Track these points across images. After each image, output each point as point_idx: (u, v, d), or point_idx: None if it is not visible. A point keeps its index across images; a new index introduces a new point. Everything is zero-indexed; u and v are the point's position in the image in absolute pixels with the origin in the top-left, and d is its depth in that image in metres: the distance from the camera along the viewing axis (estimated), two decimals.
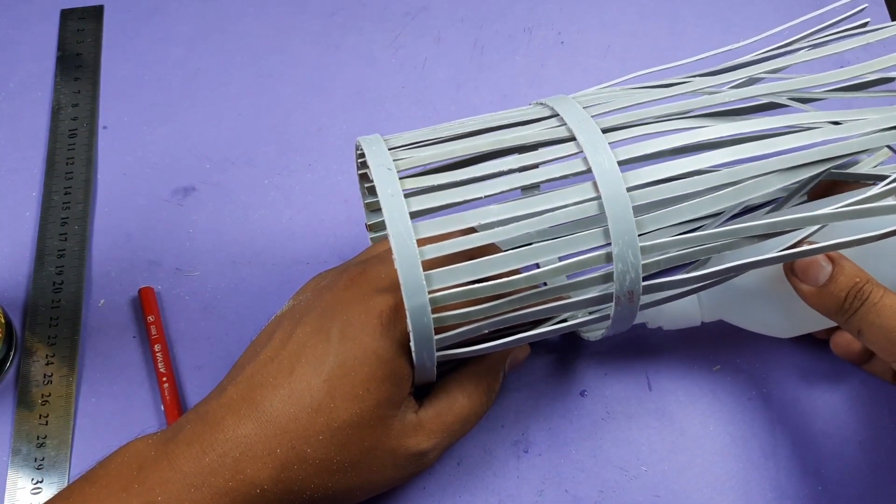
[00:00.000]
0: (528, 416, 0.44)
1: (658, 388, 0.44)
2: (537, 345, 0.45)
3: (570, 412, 0.44)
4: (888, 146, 0.43)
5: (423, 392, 0.39)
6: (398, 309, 0.36)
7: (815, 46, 0.43)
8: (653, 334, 0.45)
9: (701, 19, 0.58)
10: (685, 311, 0.42)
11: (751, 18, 0.58)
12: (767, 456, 0.42)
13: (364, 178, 0.42)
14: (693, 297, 0.42)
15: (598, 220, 0.34)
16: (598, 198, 0.34)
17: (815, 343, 0.45)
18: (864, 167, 0.44)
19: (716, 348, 0.45)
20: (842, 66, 0.51)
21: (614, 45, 0.57)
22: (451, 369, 0.40)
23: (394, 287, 0.36)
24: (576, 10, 0.59)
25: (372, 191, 0.43)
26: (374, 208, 0.45)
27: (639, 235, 0.34)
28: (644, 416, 0.44)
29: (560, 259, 0.34)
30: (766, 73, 0.41)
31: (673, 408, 0.44)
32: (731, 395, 0.44)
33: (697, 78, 0.41)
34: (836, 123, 0.37)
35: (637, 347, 0.45)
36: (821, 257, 0.36)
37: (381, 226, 0.45)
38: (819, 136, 0.36)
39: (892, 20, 0.58)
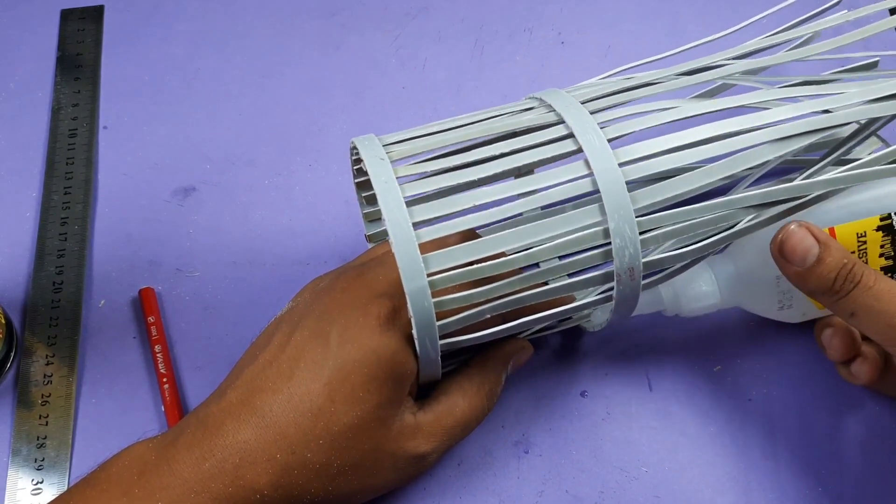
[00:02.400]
0: (528, 416, 0.44)
1: (658, 388, 0.44)
2: (538, 345, 0.45)
3: (570, 413, 0.44)
4: (877, 135, 0.44)
5: (424, 393, 0.39)
6: (397, 310, 0.36)
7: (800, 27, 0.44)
8: (653, 334, 0.45)
9: (701, 19, 0.58)
10: (704, 298, 0.42)
11: (751, 18, 0.58)
12: (768, 457, 0.42)
13: (361, 187, 0.42)
14: (712, 283, 0.42)
15: (593, 197, 0.34)
16: (591, 174, 0.34)
17: (815, 344, 0.45)
18: (860, 154, 0.44)
19: (716, 349, 0.45)
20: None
21: (614, 45, 0.57)
22: (453, 370, 0.40)
23: (392, 290, 0.36)
24: (576, 10, 0.59)
25: (370, 200, 0.43)
26: (373, 218, 0.45)
27: (636, 213, 0.34)
28: (644, 416, 0.44)
29: (558, 237, 0.34)
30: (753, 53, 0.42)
31: (673, 408, 0.44)
32: (732, 395, 0.44)
33: (685, 66, 0.42)
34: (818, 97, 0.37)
35: (637, 348, 0.45)
36: (809, 238, 0.36)
37: (379, 236, 0.45)
38: (806, 108, 0.36)
39: (890, 14, 0.58)
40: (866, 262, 0.40)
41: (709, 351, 0.45)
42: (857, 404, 0.44)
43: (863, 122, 0.38)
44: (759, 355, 0.45)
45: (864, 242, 0.40)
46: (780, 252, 0.37)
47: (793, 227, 0.36)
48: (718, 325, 0.45)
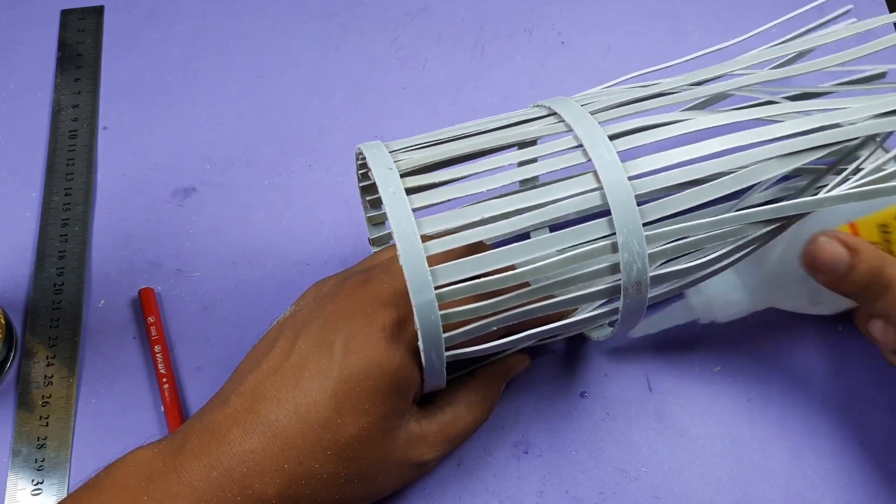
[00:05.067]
0: (528, 417, 0.44)
1: (658, 389, 0.44)
2: (538, 348, 0.45)
3: (570, 413, 0.44)
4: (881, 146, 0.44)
5: (426, 398, 0.39)
6: (402, 321, 0.36)
7: (808, 40, 0.43)
8: (653, 335, 0.45)
9: (701, 19, 0.58)
10: (734, 305, 0.42)
11: (752, 19, 0.58)
12: (767, 457, 0.42)
13: (365, 191, 0.42)
14: (741, 289, 0.42)
15: (602, 211, 0.34)
16: (600, 188, 0.34)
17: (814, 344, 0.45)
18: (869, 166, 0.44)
19: (716, 349, 0.45)
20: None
21: (615, 46, 0.57)
22: (455, 379, 0.40)
23: (397, 299, 0.36)
24: (576, 11, 0.59)
25: (374, 204, 0.43)
26: (376, 222, 0.45)
27: (643, 225, 0.34)
28: (644, 417, 0.44)
29: (566, 251, 0.34)
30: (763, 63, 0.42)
31: (673, 409, 0.44)
32: (732, 396, 0.44)
33: (692, 74, 0.42)
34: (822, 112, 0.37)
35: (637, 348, 0.45)
36: (838, 248, 0.36)
37: (384, 239, 0.45)
38: (815, 122, 0.36)
39: None
40: (893, 253, 0.39)
41: (709, 351, 0.45)
42: (856, 404, 0.44)
43: (879, 137, 0.38)
44: (759, 355, 0.45)
45: (888, 232, 0.39)
46: (813, 265, 0.36)
47: (822, 239, 0.36)
48: (718, 325, 0.45)
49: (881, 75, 0.47)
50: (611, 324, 0.41)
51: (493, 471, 0.42)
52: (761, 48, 0.44)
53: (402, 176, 0.34)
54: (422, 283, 0.32)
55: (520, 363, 0.42)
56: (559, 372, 0.45)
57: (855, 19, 0.45)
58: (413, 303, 0.33)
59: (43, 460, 0.43)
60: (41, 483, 0.42)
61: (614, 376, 0.45)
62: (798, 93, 0.45)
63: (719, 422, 0.43)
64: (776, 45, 0.44)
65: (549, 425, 0.43)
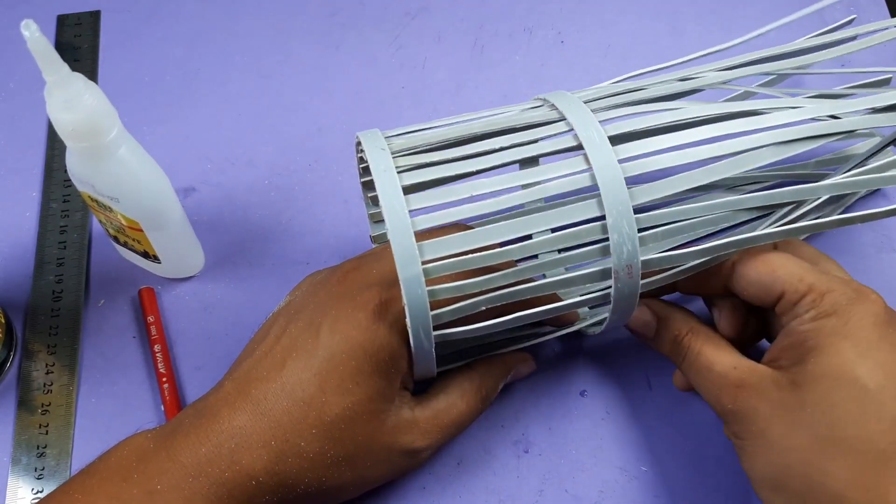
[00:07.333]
0: (528, 415, 0.44)
1: (658, 387, 0.44)
2: (538, 345, 0.45)
3: (570, 412, 0.44)
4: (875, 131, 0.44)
5: (422, 389, 0.39)
6: (386, 302, 0.36)
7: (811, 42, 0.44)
8: None
9: (701, 19, 0.58)
10: None
11: (751, 18, 0.58)
12: None
13: (366, 186, 0.42)
14: None
15: (592, 192, 0.34)
16: (590, 169, 0.34)
17: None
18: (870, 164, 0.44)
19: None
20: (840, 67, 0.51)
21: (614, 45, 0.57)
22: (451, 369, 0.40)
23: (383, 282, 0.37)
24: (576, 10, 0.59)
25: (375, 200, 0.43)
26: (378, 219, 0.45)
27: (634, 210, 0.34)
28: (644, 415, 0.43)
29: (555, 231, 0.34)
30: (760, 66, 0.42)
31: (673, 407, 0.44)
32: None
33: (688, 71, 0.42)
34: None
35: (637, 347, 0.45)
36: (647, 314, 0.40)
37: (384, 237, 0.45)
38: (810, 113, 0.36)
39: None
40: None
41: None
42: None
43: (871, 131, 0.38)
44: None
45: None
46: (627, 326, 0.41)
47: (636, 308, 0.38)
48: None
49: (886, 81, 0.46)
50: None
51: (493, 469, 0.42)
52: (763, 50, 0.44)
53: (395, 156, 0.35)
54: (409, 257, 0.33)
55: (520, 362, 0.42)
56: (559, 371, 0.45)
57: (856, 16, 0.45)
58: (400, 276, 0.33)
59: (43, 469, 0.43)
60: (41, 491, 0.42)
61: (614, 375, 0.45)
62: (800, 95, 0.45)
63: (719, 421, 0.43)
64: (776, 52, 0.44)
65: (549, 424, 0.43)
